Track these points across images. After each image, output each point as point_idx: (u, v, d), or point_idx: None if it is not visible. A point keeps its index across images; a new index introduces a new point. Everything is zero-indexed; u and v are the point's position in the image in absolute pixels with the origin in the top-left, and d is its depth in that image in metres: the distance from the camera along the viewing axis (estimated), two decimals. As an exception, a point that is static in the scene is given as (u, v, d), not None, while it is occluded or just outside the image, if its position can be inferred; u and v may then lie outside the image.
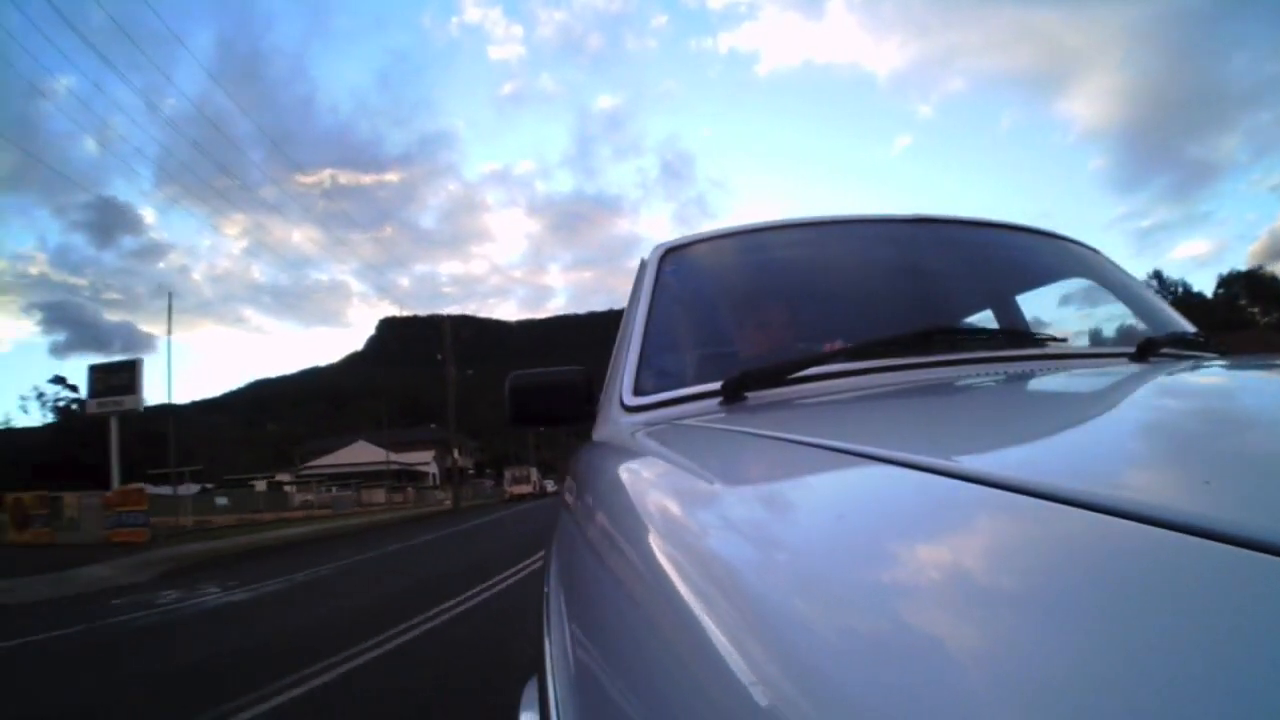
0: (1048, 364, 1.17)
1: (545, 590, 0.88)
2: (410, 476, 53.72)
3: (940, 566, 0.33)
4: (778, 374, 1.10)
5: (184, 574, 10.68)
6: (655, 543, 0.47)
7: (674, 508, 0.56)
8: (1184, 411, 0.67)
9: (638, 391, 1.23)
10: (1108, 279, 1.59)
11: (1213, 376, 0.88)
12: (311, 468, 54.35)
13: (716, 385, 1.11)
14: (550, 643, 0.64)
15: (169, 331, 22.57)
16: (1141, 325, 1.41)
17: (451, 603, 6.26)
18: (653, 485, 0.69)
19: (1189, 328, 1.46)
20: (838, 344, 1.27)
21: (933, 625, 0.28)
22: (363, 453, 55.53)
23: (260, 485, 44.02)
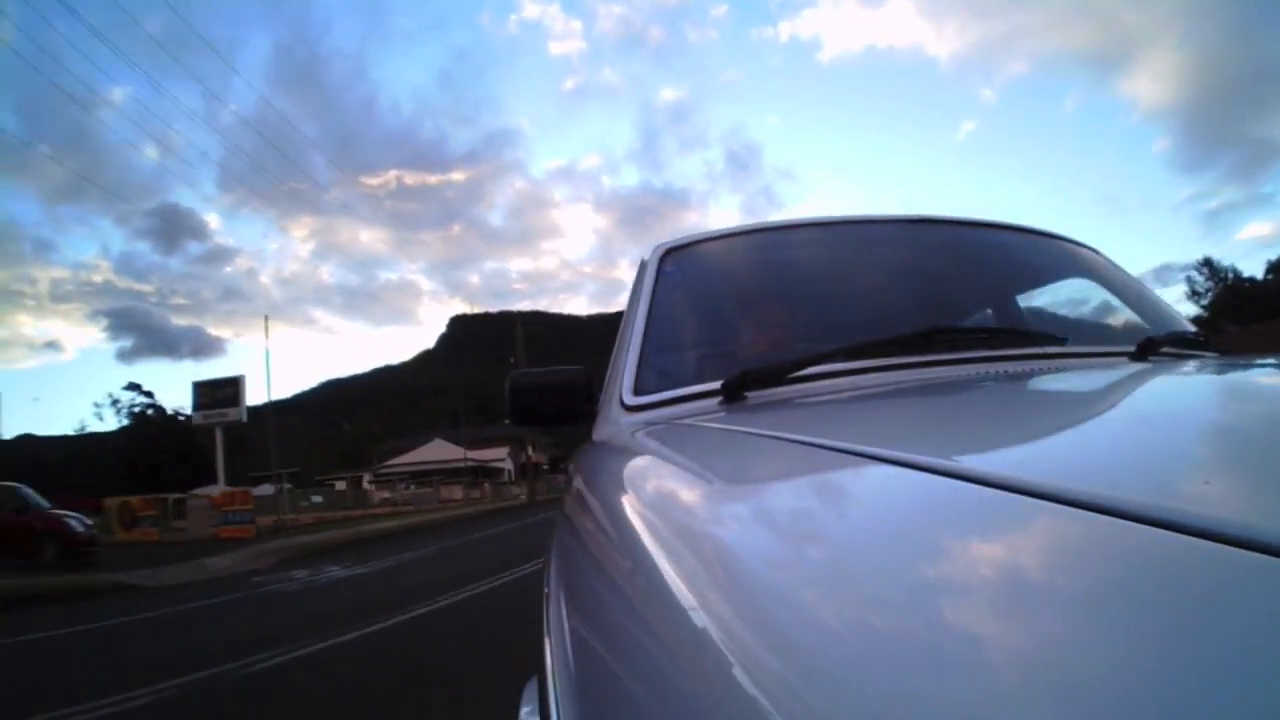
0: (1047, 364, 1.17)
1: (545, 590, 0.90)
2: (486, 473, 54.65)
3: (940, 566, 0.33)
4: (778, 374, 1.10)
5: (299, 560, 12.45)
6: (655, 542, 0.47)
7: (674, 507, 0.56)
8: (1184, 411, 0.67)
9: (638, 391, 1.23)
10: (1107, 279, 1.58)
11: (1212, 376, 0.88)
12: (390, 466, 55.69)
13: (716, 385, 1.12)
14: (550, 642, 0.65)
15: (267, 348, 24.62)
16: (1141, 325, 1.40)
17: (514, 570, 8.42)
18: (653, 485, 0.69)
19: (1189, 327, 1.45)
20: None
21: (933, 625, 0.28)
22: (439, 450, 56.88)
23: (340, 485, 45.92)
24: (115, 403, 56.70)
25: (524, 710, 0.98)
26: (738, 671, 0.29)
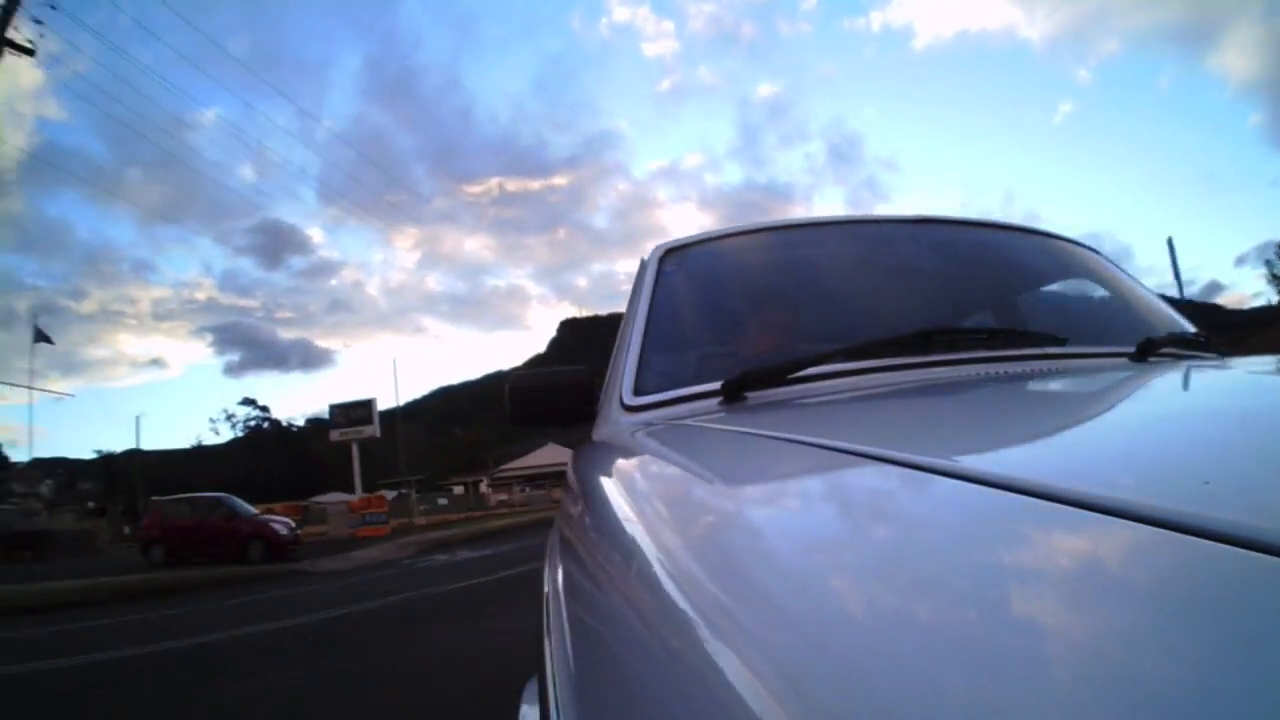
0: (1047, 364, 1.17)
1: (545, 590, 0.92)
2: (596, 475, 56.19)
3: (941, 566, 0.33)
4: (778, 374, 1.10)
5: (434, 549, 15.12)
6: (655, 542, 0.47)
7: (674, 507, 0.56)
8: (1183, 412, 0.68)
9: (638, 391, 1.24)
10: (1107, 279, 1.58)
11: (1212, 377, 0.89)
12: (505, 470, 58.20)
13: (717, 385, 1.12)
14: (550, 642, 0.65)
15: (394, 363, 28.54)
16: (1141, 326, 1.40)
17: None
18: (653, 485, 0.70)
19: (1189, 328, 1.46)
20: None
21: (933, 625, 0.28)
22: (552, 454, 58.61)
23: (459, 489, 49.53)
24: (230, 417, 61.24)
25: (524, 710, 1.00)
26: (738, 671, 0.29)
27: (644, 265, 1.55)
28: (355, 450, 25.71)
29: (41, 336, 21.85)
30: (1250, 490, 0.37)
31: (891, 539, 0.38)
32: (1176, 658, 0.23)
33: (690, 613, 0.35)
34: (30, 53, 13.56)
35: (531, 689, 0.97)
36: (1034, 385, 0.98)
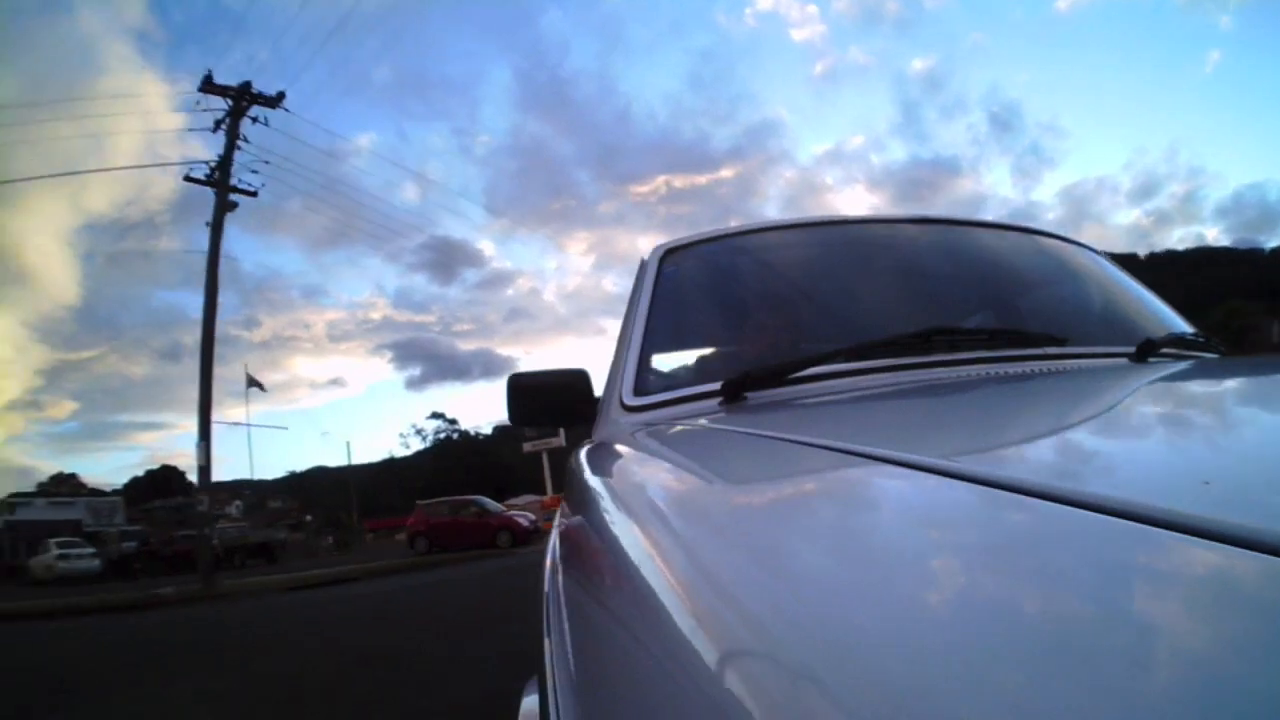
0: (1047, 365, 1.17)
1: (545, 590, 0.92)
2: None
3: (940, 567, 0.33)
4: (778, 374, 1.10)
5: None
6: (655, 542, 0.47)
7: (674, 508, 0.56)
8: (1183, 412, 0.68)
9: (638, 391, 1.24)
10: (1107, 279, 1.59)
11: (1212, 377, 0.89)
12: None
13: (717, 385, 1.11)
14: (550, 643, 0.65)
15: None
16: (1141, 326, 1.40)
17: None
18: (653, 485, 0.70)
19: (1188, 328, 1.46)
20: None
21: (933, 625, 0.28)
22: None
23: None
24: (420, 431, 64.00)
25: (524, 710, 0.99)
26: (738, 672, 0.29)
27: (644, 265, 1.55)
28: (545, 460, 27.71)
29: (254, 383, 22.84)
30: (1250, 490, 0.37)
31: (892, 539, 0.38)
32: (1176, 658, 0.23)
33: (690, 613, 0.35)
34: (253, 194, 14.49)
35: (531, 689, 0.97)
36: (1034, 385, 0.98)
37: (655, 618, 0.38)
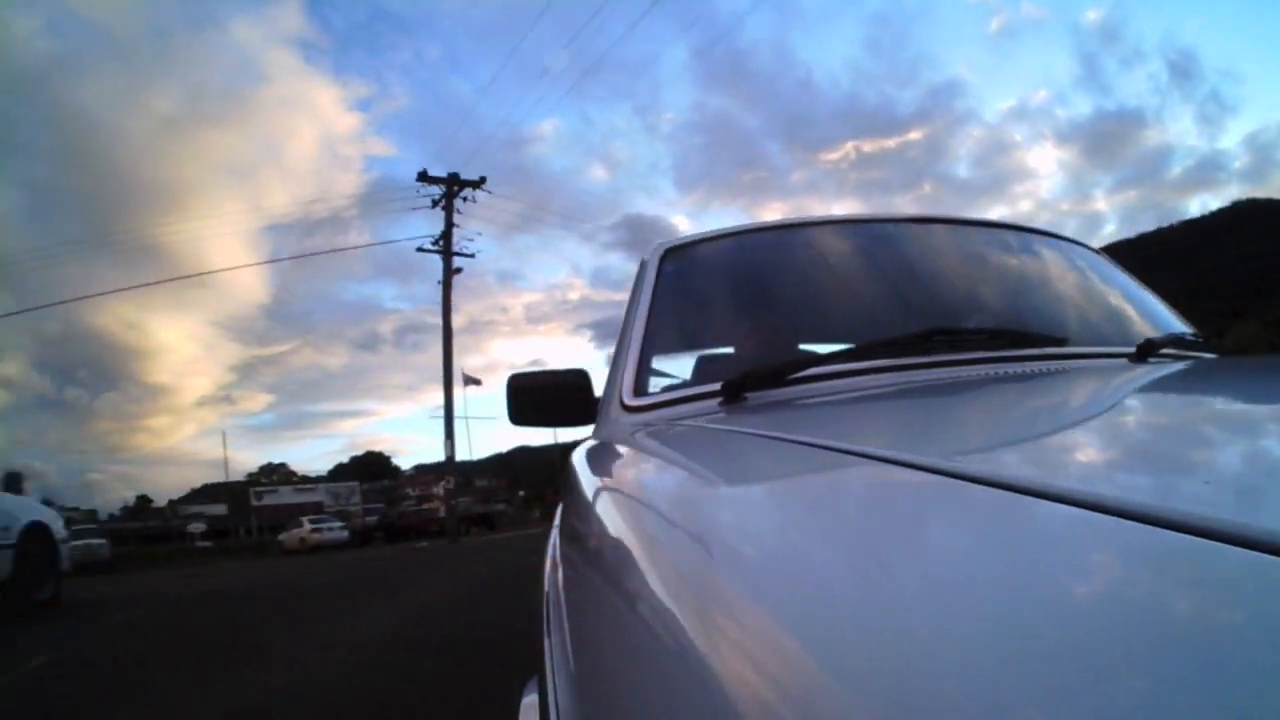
0: (1047, 365, 1.17)
1: (544, 590, 0.92)
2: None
3: (941, 567, 0.33)
4: (778, 374, 1.10)
5: None
6: (655, 542, 0.47)
7: (674, 508, 0.56)
8: (1183, 412, 0.68)
9: (638, 391, 1.24)
10: (1107, 279, 1.59)
11: (1212, 377, 0.88)
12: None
13: (717, 385, 1.11)
14: (550, 643, 0.66)
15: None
16: (1141, 325, 1.41)
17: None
18: (652, 485, 0.70)
19: (1188, 328, 1.46)
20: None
21: (933, 626, 0.28)
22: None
23: None
24: None
25: (524, 710, 1.00)
26: (738, 672, 0.29)
27: (644, 265, 1.55)
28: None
29: (471, 381, 24.25)
30: (1250, 490, 0.37)
31: (892, 540, 0.38)
32: (1176, 657, 0.23)
33: (690, 614, 0.35)
34: (471, 256, 18.65)
35: (531, 689, 0.97)
36: (1034, 385, 0.98)
37: (655, 617, 0.39)
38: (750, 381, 1.09)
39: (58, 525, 6.78)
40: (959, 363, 1.14)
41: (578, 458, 1.07)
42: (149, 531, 44.75)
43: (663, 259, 1.51)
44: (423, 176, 16.77)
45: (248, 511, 46.49)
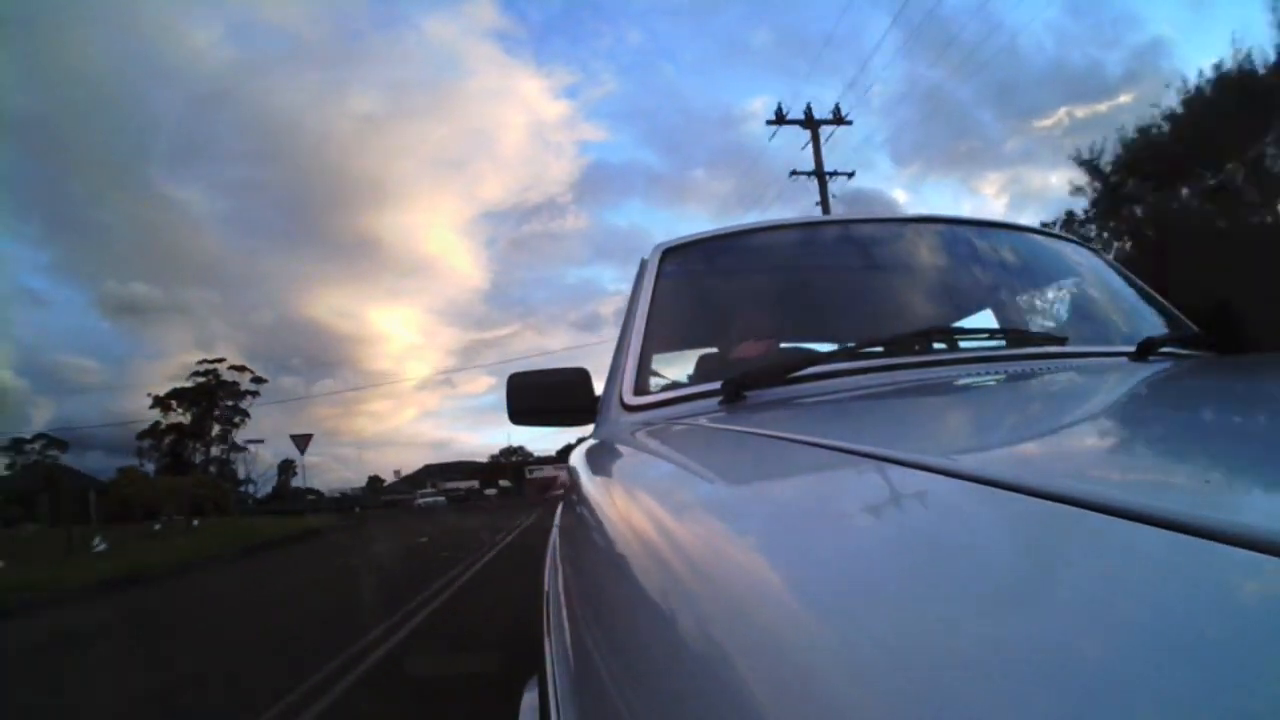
0: (1047, 364, 1.17)
1: (545, 590, 0.92)
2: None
3: (940, 566, 0.33)
4: (777, 373, 1.10)
5: None
6: (655, 542, 0.47)
7: (674, 507, 0.56)
8: (1183, 411, 0.68)
9: (638, 391, 1.24)
10: (1107, 279, 1.58)
11: (1212, 376, 0.88)
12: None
13: (716, 385, 1.11)
14: (551, 642, 0.66)
15: None
16: (1141, 325, 1.40)
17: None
18: (653, 484, 0.70)
19: (1189, 328, 1.45)
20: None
21: (933, 626, 0.28)
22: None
23: None
24: None
25: (524, 710, 1.00)
26: (738, 672, 0.29)
27: (644, 265, 1.55)
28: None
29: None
30: (1250, 490, 0.37)
31: (891, 539, 0.38)
32: (1176, 657, 0.23)
33: (691, 613, 0.35)
34: (850, 174, 16.96)
35: (532, 689, 0.97)
36: (1034, 385, 0.98)
37: (655, 617, 0.39)
38: (750, 381, 1.09)
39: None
40: (958, 362, 1.14)
41: (578, 457, 1.07)
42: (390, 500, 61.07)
43: (662, 259, 1.51)
44: (779, 119, 16.08)
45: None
